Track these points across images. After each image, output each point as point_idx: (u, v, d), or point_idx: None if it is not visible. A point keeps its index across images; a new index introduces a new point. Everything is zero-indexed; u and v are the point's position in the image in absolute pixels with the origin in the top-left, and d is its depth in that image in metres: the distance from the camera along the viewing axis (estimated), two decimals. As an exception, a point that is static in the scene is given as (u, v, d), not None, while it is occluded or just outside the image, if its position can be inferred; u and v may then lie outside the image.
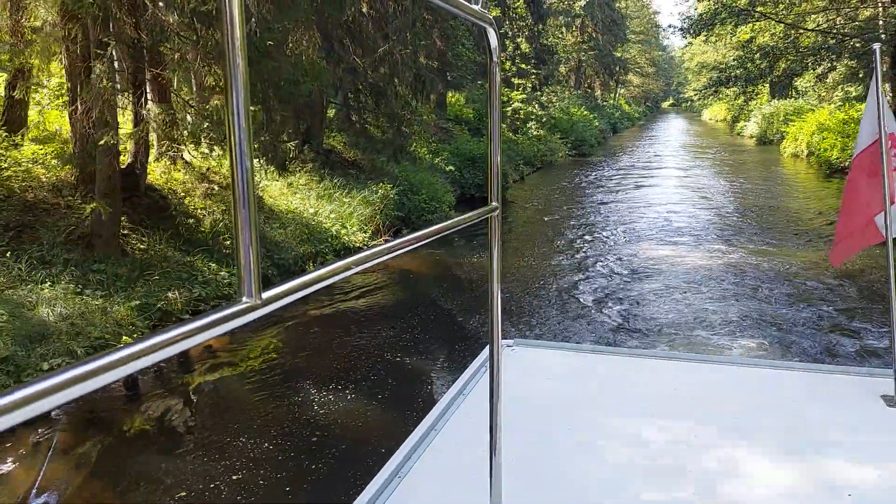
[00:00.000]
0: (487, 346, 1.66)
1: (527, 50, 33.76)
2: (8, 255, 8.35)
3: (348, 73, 15.23)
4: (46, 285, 8.10)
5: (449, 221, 1.23)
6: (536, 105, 34.05)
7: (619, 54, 60.24)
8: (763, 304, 9.62)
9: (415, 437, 2.58)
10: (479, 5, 1.24)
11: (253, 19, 8.28)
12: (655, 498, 2.26)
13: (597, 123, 43.99)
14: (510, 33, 33.35)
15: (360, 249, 12.93)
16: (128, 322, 8.15)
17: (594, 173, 26.97)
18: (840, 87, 30.59)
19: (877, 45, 3.03)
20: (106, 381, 0.52)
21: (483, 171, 20.23)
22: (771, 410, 2.86)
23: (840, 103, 29.44)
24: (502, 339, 1.68)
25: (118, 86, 7.76)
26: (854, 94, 26.94)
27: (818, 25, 23.14)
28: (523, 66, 33.83)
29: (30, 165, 10.54)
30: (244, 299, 0.68)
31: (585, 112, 43.28)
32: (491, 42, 1.39)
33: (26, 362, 6.89)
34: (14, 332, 7.15)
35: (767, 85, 37.82)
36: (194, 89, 13.33)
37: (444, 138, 23.53)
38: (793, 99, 39.80)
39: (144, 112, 8.12)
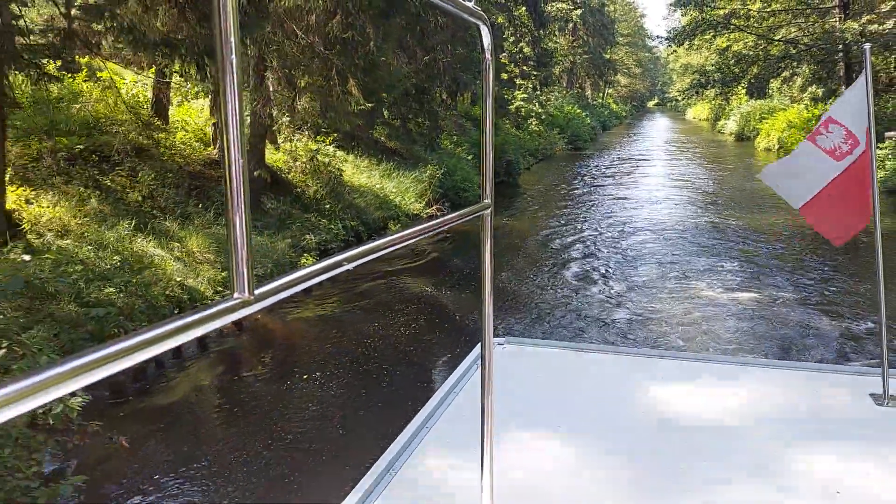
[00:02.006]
0: (479, 344, 1.68)
1: (529, 53, 37.44)
2: (199, 206, 11.90)
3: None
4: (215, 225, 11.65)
5: (441, 219, 1.25)
6: (537, 104, 37.77)
7: (608, 56, 64.19)
8: (728, 242, 13.37)
9: (406, 433, 2.60)
10: (473, 2, 1.25)
11: (371, 42, 11.86)
12: (646, 496, 2.28)
13: (589, 121, 47.79)
14: (513, 38, 37.04)
15: (417, 216, 16.63)
16: (286, 252, 11.73)
17: (590, 163, 30.75)
18: (808, 88, 34.57)
19: (867, 45, 3.10)
20: (100, 375, 0.52)
21: (498, 160, 23.91)
22: (761, 408, 2.88)
23: (808, 103, 33.39)
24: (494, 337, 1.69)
25: (286, 91, 11.31)
26: (818, 95, 30.84)
27: (783, 37, 27.05)
28: (525, 67, 37.54)
29: (182, 147, 14.07)
30: (236, 295, 0.69)
31: (578, 110, 47.08)
32: (484, 39, 1.40)
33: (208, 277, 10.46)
34: (224, 253, 10.72)
35: (745, 86, 41.76)
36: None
37: (460, 132, 27.16)
38: (768, 99, 43.72)
39: (299, 107, 11.66)
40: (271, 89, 11.68)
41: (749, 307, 9.50)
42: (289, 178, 15.24)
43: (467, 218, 1.34)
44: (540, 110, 37.47)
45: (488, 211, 1.43)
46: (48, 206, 10.06)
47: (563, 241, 14.60)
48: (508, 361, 3.36)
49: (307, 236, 12.50)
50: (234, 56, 0.65)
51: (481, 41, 1.38)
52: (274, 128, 12.24)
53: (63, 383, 0.49)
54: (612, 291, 10.68)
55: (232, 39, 0.65)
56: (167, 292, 8.95)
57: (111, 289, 8.11)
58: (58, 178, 10.90)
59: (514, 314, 9.79)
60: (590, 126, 46.44)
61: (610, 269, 11.97)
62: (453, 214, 1.29)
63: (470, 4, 1.22)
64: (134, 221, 10.35)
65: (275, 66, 11.45)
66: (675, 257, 12.51)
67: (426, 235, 1.17)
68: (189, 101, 16.72)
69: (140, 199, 11.51)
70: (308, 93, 11.55)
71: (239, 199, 0.68)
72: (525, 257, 13.24)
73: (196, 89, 16.52)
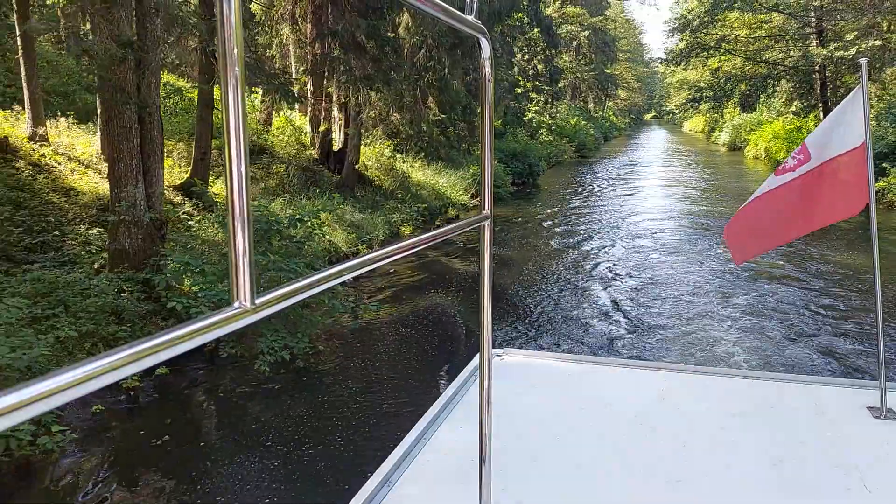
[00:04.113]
0: (477, 355, 1.69)
1: (542, 70, 41.61)
2: (317, 191, 15.80)
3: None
4: (340, 206, 15.54)
5: (441, 230, 1.26)
6: (547, 116, 41.90)
7: (609, 71, 68.47)
8: (717, 228, 17.33)
9: (404, 445, 2.62)
10: (473, 15, 1.28)
11: (446, 69, 15.83)
12: None
13: (592, 132, 51.92)
14: (527, 57, 41.20)
15: (465, 206, 20.56)
16: (382, 227, 15.62)
17: (597, 168, 34.81)
18: (793, 103, 38.77)
19: (864, 59, 3.10)
20: (102, 383, 0.53)
21: (522, 163, 27.88)
22: (758, 421, 2.90)
23: (791, 117, 37.57)
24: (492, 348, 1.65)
25: (383, 105, 15.25)
26: (798, 109, 35.00)
27: (768, 59, 31.21)
28: (538, 83, 41.68)
29: (289, 148, 17.99)
30: (237, 304, 0.69)
31: (583, 122, 51.20)
32: (484, 52, 1.41)
33: (357, 235, 14.34)
34: (344, 224, 14.61)
35: (736, 101, 45.96)
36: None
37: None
38: (757, 113, 47.94)
39: (394, 118, 15.58)
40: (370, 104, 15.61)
41: (736, 269, 13.47)
42: (367, 174, 19.18)
43: (467, 229, 1.37)
44: (550, 121, 41.57)
45: (487, 222, 1.45)
46: (222, 188, 13.97)
47: (582, 220, 18.54)
48: (506, 373, 3.41)
49: (394, 216, 16.44)
50: (237, 66, 0.65)
51: (481, 53, 1.41)
52: (366, 134, 16.15)
53: (64, 391, 0.50)
54: (621, 248, 14.61)
55: (235, 50, 0.65)
56: (321, 246, 12.84)
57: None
58: (219, 167, 14.82)
59: (558, 254, 13.67)
60: (593, 136, 50.52)
61: (619, 237, 15.91)
62: (453, 225, 1.32)
63: (470, 18, 1.27)
64: (282, 199, 14.26)
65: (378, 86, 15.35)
66: (673, 229, 16.49)
67: (426, 246, 1.18)
68: (281, 113, 20.69)
69: (275, 185, 15.44)
70: (400, 106, 15.46)
71: (241, 206, 0.68)
72: (554, 229, 17.18)
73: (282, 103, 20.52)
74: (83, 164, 12.10)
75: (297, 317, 7.96)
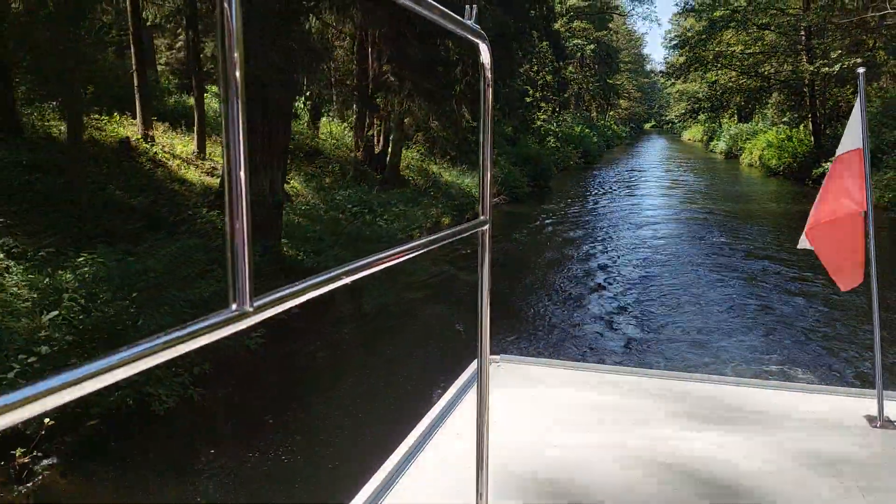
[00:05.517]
0: (475, 362, 1.70)
1: (550, 81, 44.25)
2: (366, 186, 18.28)
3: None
4: (392, 200, 18.01)
5: (438, 234, 1.27)
6: (554, 124, 44.51)
7: (611, 82, 71.19)
8: (711, 220, 19.83)
9: (401, 451, 2.64)
10: (473, 21, 1.29)
11: (470, 78, 18.29)
12: None
13: (595, 140, 54.50)
14: (536, 68, 43.82)
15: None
16: (421, 218, 18.07)
17: (603, 173, 37.40)
18: (785, 114, 41.43)
19: (861, 69, 3.20)
20: (96, 387, 0.53)
21: (534, 168, 30.33)
22: (756, 429, 2.91)
23: (783, 127, 40.20)
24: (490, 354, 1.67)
25: (425, 114, 17.73)
26: (789, 120, 37.66)
27: (761, 72, 33.82)
28: (546, 93, 44.30)
29: (336, 150, 20.47)
30: (235, 307, 0.68)
31: (587, 130, 53.80)
32: (483, 58, 1.41)
33: (404, 226, 16.80)
34: (392, 215, 17.08)
35: (733, 112, 48.60)
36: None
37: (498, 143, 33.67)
38: (752, 123, 50.53)
39: (433, 125, 18.06)
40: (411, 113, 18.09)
41: (725, 247, 15.94)
42: (403, 174, 21.68)
43: (464, 235, 1.38)
44: (557, 129, 44.19)
45: (486, 227, 1.46)
46: (293, 184, 16.44)
47: (593, 216, 21.02)
48: (504, 379, 3.43)
49: (431, 210, 18.93)
50: (237, 71, 0.66)
51: (481, 59, 1.41)
52: (411, 140, 18.62)
53: (58, 393, 0.50)
54: (627, 239, 17.08)
55: (235, 55, 0.65)
56: (374, 232, 15.30)
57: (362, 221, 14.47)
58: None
59: (581, 237, 16.13)
60: (597, 144, 53.11)
61: (626, 230, 18.40)
62: (451, 230, 1.31)
63: (470, 24, 1.27)
64: (343, 192, 16.76)
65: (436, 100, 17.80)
66: (675, 223, 18.97)
67: (424, 251, 1.17)
68: (327, 118, 23.24)
69: (330, 181, 17.94)
70: (440, 115, 17.94)
71: (240, 205, 0.67)
72: (569, 221, 19.67)
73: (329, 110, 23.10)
74: (186, 161, 14.58)
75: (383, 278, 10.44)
